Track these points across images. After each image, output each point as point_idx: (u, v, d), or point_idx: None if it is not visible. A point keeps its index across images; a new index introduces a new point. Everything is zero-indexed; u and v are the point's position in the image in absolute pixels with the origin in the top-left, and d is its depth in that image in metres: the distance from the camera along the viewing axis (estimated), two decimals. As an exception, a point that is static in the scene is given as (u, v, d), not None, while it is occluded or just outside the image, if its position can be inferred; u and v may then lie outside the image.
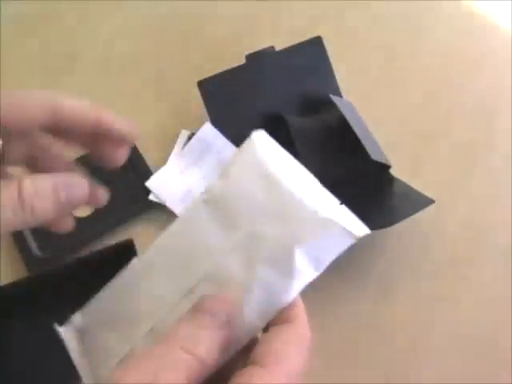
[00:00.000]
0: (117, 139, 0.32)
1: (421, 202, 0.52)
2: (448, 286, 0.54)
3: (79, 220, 0.56)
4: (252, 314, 0.28)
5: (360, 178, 0.56)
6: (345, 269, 0.54)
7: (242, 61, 0.58)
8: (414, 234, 0.55)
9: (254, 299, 0.28)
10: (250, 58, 0.58)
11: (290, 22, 0.66)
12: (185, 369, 0.24)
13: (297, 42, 0.59)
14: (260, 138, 0.31)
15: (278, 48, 0.59)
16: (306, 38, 0.59)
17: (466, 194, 0.58)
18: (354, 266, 0.54)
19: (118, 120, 0.31)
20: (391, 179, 0.55)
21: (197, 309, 0.27)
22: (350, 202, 0.56)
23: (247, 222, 0.29)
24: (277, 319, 0.28)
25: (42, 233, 0.54)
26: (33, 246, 0.54)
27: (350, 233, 0.30)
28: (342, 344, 0.52)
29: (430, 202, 0.51)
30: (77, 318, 0.31)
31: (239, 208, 0.30)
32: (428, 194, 0.52)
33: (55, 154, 0.34)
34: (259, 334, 0.29)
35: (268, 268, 0.28)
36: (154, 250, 0.31)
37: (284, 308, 0.28)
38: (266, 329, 0.29)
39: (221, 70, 0.57)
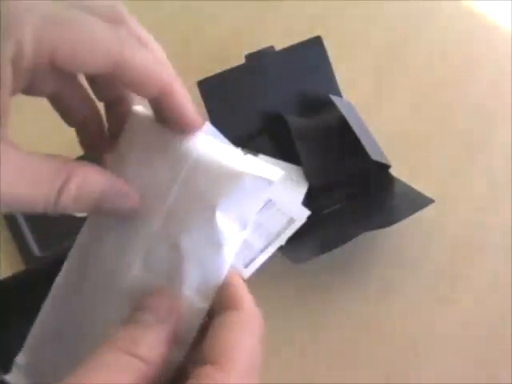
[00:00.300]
0: (174, 122, 0.29)
1: (421, 201, 0.52)
2: (448, 286, 0.54)
3: (79, 219, 0.56)
4: (192, 295, 0.26)
5: (360, 178, 0.56)
6: (345, 269, 0.54)
7: (242, 61, 0.58)
8: (414, 234, 0.55)
9: (190, 279, 0.26)
10: (250, 57, 0.58)
11: (290, 22, 0.66)
12: (131, 372, 0.23)
13: (297, 42, 0.59)
14: (141, 111, 0.30)
15: (277, 48, 0.59)
16: (305, 38, 0.59)
17: (466, 194, 0.58)
18: (355, 266, 0.54)
19: (186, 104, 0.29)
20: (391, 179, 0.55)
21: (135, 308, 0.25)
22: (350, 202, 0.56)
23: (157, 200, 0.27)
24: (220, 307, 0.26)
25: (42, 232, 0.54)
26: (32, 245, 0.54)
27: (263, 179, 0.28)
28: (342, 344, 0.52)
29: (430, 201, 0.51)
30: (20, 358, 0.29)
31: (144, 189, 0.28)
32: (428, 193, 0.52)
33: (84, 97, 0.30)
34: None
35: (194, 242, 0.27)
36: (75, 257, 0.30)
37: (226, 293, 0.26)
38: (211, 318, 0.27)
39: (220, 70, 0.57)
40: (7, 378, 0.29)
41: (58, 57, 0.24)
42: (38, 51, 0.24)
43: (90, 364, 0.23)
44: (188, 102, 0.29)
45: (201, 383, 0.23)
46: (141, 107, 0.29)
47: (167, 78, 0.28)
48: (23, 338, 0.41)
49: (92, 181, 0.26)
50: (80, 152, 0.57)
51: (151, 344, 0.24)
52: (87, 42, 0.24)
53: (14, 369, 0.29)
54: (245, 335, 0.25)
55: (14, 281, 0.50)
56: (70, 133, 0.63)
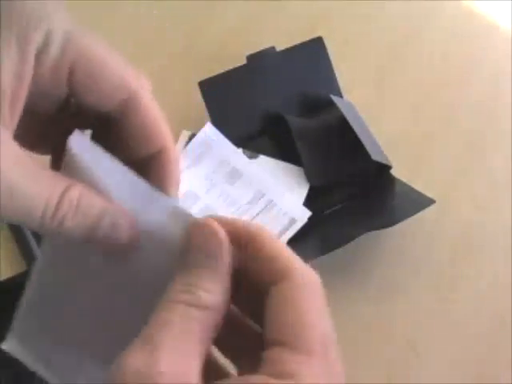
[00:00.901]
0: (156, 181, 0.26)
1: (421, 202, 0.52)
2: (448, 286, 0.54)
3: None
4: None
5: (360, 178, 0.57)
6: (346, 269, 0.54)
7: (243, 61, 0.58)
8: (414, 234, 0.55)
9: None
10: (251, 58, 0.58)
11: (291, 23, 0.66)
12: (199, 326, 0.21)
13: (298, 43, 0.59)
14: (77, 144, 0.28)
15: (278, 48, 0.59)
16: (306, 39, 0.59)
17: (466, 194, 0.58)
18: (355, 266, 0.54)
19: (176, 173, 0.26)
20: (392, 179, 0.55)
21: (186, 249, 0.23)
22: (351, 202, 0.56)
23: None
24: (270, 280, 0.22)
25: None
26: (34, 246, 0.54)
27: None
28: (342, 344, 0.52)
29: (431, 202, 0.51)
30: (16, 326, 0.28)
31: None
32: (428, 194, 0.52)
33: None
34: None
35: None
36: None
37: (270, 263, 0.23)
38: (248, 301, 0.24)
39: (222, 71, 0.57)
40: (3, 346, 0.27)
41: (77, 71, 0.23)
42: (62, 54, 0.23)
43: (154, 326, 0.21)
44: (178, 170, 0.27)
45: (298, 373, 0.20)
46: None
47: (170, 138, 0.26)
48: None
49: (93, 195, 0.24)
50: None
51: (210, 288, 0.22)
52: (109, 65, 0.24)
53: (10, 336, 0.28)
54: (308, 306, 0.23)
55: (15, 282, 0.50)
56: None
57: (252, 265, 0.23)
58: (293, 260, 0.23)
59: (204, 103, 0.57)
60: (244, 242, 0.23)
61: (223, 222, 0.23)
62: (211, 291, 0.22)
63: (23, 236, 0.54)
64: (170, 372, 0.20)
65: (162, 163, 0.26)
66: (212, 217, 0.24)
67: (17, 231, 0.54)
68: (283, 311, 0.22)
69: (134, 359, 0.20)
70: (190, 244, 0.23)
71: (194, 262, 0.22)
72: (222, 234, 0.23)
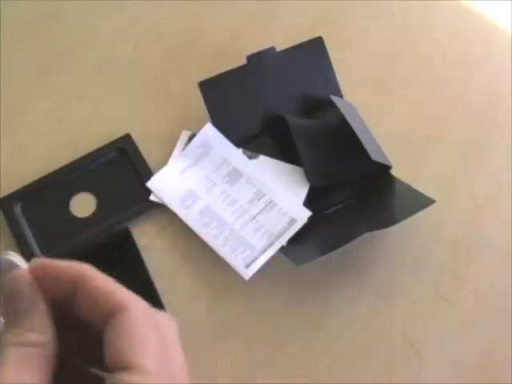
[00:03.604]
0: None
1: (421, 202, 0.52)
2: (448, 286, 0.54)
3: (80, 220, 0.56)
4: None
5: (360, 178, 0.57)
6: (345, 269, 0.54)
7: (243, 61, 0.58)
8: (414, 234, 0.55)
9: None
10: (251, 58, 0.58)
11: (291, 23, 0.66)
12: (30, 358, 0.24)
13: (298, 43, 0.59)
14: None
15: (278, 49, 0.59)
16: (306, 39, 0.59)
17: (466, 194, 0.58)
18: (354, 266, 0.54)
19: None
20: (392, 179, 0.55)
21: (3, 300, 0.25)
22: (351, 202, 0.56)
23: None
24: (106, 315, 0.24)
25: (42, 232, 0.54)
26: (34, 247, 0.54)
27: None
28: (342, 344, 0.52)
29: (431, 201, 0.51)
30: None
31: None
32: (428, 194, 0.52)
33: None
34: None
35: None
36: None
37: (103, 299, 0.24)
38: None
39: (222, 71, 0.57)
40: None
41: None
42: None
43: None
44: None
45: None
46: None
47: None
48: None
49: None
50: (78, 153, 0.58)
51: (33, 327, 0.24)
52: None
53: None
54: (143, 331, 0.24)
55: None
56: (70, 133, 0.63)
57: (84, 302, 0.24)
58: (126, 293, 0.25)
59: (204, 103, 0.57)
60: (72, 282, 0.25)
61: (43, 266, 0.25)
62: (34, 330, 0.24)
63: (23, 236, 0.54)
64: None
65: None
66: (36, 262, 0.25)
67: (17, 232, 0.54)
68: (121, 339, 0.23)
69: None
70: (4, 294, 0.25)
71: (13, 310, 0.25)
72: (23, 280, 0.25)
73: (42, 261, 0.25)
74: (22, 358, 0.23)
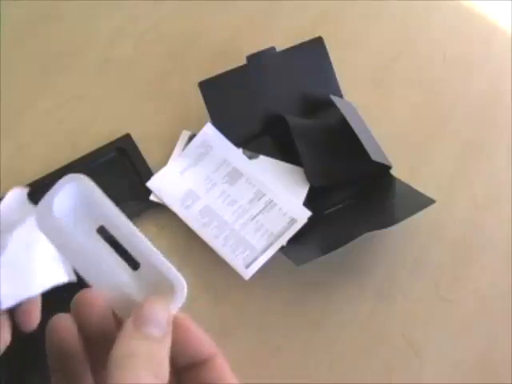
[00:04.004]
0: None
1: (421, 202, 0.52)
2: (448, 286, 0.54)
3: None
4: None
5: (360, 178, 0.57)
6: (345, 269, 0.54)
7: (243, 61, 0.58)
8: (414, 234, 0.55)
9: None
10: (251, 58, 0.58)
11: (291, 23, 0.66)
12: None
13: (298, 43, 0.59)
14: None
15: (278, 49, 0.59)
16: (306, 39, 0.59)
17: (466, 194, 0.58)
18: (354, 266, 0.54)
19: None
20: (392, 179, 0.55)
21: (139, 316, 0.26)
22: (350, 202, 0.56)
23: None
24: (191, 362, 0.27)
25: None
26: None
27: None
28: (341, 344, 0.52)
29: (431, 202, 0.51)
30: None
31: None
32: (428, 194, 0.52)
33: None
34: None
35: None
36: None
37: (192, 347, 0.27)
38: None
39: (222, 71, 0.57)
40: None
41: None
42: None
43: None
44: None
45: None
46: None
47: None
48: (26, 341, 0.41)
49: None
50: (78, 153, 0.58)
51: (166, 363, 0.25)
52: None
53: None
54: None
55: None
56: (70, 133, 0.63)
57: (182, 347, 0.27)
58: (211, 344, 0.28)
59: (204, 103, 0.57)
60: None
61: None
62: (166, 367, 0.25)
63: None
64: None
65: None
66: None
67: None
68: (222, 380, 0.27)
69: None
70: (144, 316, 0.26)
71: (150, 334, 0.25)
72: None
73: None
74: None
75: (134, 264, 0.28)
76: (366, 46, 0.65)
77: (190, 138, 0.58)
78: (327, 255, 0.51)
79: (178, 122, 0.60)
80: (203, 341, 0.27)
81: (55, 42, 0.65)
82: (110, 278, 0.27)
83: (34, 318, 0.35)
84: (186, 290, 0.27)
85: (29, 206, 0.47)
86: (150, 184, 0.56)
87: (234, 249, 0.53)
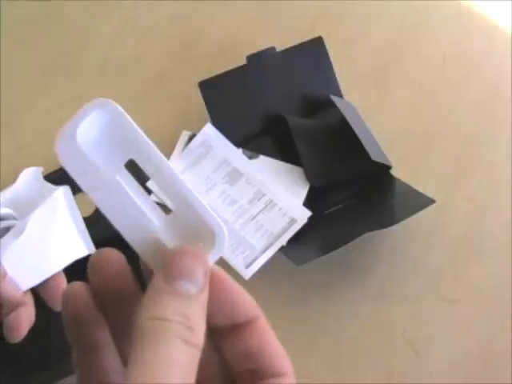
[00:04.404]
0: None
1: (421, 201, 0.52)
2: (448, 286, 0.54)
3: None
4: None
5: (360, 178, 0.57)
6: (345, 269, 0.54)
7: (243, 61, 0.58)
8: (414, 234, 0.55)
9: None
10: (251, 58, 0.58)
11: (291, 23, 0.66)
12: (194, 364, 0.20)
13: (298, 43, 0.59)
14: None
15: (278, 49, 0.59)
16: (306, 39, 0.59)
17: (466, 194, 0.58)
18: (354, 266, 0.54)
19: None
20: (392, 179, 0.55)
21: (172, 274, 0.22)
22: (350, 202, 0.56)
23: None
24: (267, 372, 0.24)
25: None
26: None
27: None
28: (342, 344, 0.52)
29: (431, 201, 0.51)
30: None
31: None
32: (428, 194, 0.52)
33: None
34: None
35: None
36: None
37: (269, 355, 0.24)
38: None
39: (222, 71, 0.57)
40: None
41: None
42: None
43: (155, 360, 0.20)
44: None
45: None
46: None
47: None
48: (28, 338, 0.41)
49: None
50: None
51: (201, 324, 0.21)
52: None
53: None
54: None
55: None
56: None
57: (219, 304, 0.23)
58: (284, 356, 0.25)
59: (204, 103, 0.57)
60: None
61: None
62: (202, 330, 0.21)
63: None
64: None
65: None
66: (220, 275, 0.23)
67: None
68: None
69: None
70: (177, 268, 0.22)
71: (184, 291, 0.21)
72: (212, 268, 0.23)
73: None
74: (193, 360, 0.20)
75: (165, 207, 0.24)
76: (366, 46, 0.65)
77: (190, 138, 0.58)
78: (327, 255, 0.51)
79: (178, 122, 0.60)
80: (245, 299, 0.24)
81: (55, 41, 0.65)
82: (138, 220, 0.23)
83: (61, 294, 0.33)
84: (227, 238, 0.23)
85: (45, 183, 0.47)
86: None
87: (233, 249, 0.53)
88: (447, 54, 0.65)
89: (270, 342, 0.24)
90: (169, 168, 0.24)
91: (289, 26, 0.65)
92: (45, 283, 0.41)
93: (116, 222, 0.23)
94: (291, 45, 0.59)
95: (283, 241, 0.53)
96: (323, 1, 0.67)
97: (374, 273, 0.54)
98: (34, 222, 0.41)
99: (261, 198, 0.55)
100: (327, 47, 0.59)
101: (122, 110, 0.23)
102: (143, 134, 0.23)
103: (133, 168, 0.24)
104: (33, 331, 0.41)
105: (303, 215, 0.54)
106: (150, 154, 0.23)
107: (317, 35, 0.59)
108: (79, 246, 0.44)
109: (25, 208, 0.43)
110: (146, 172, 0.23)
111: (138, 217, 0.23)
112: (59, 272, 0.41)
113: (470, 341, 0.52)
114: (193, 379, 0.20)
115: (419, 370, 0.51)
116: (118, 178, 0.23)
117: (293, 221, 0.54)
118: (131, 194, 0.23)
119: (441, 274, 0.54)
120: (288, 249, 0.53)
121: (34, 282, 0.40)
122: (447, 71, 0.64)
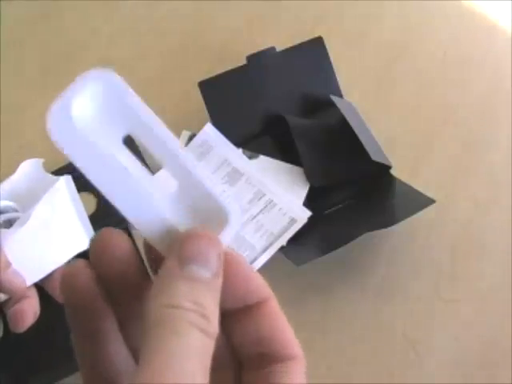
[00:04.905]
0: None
1: (421, 201, 0.52)
2: (448, 286, 0.54)
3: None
4: None
5: (360, 178, 0.57)
6: (345, 269, 0.54)
7: (243, 61, 0.59)
8: (414, 234, 0.55)
9: None
10: (251, 58, 0.58)
11: (291, 23, 0.66)
12: (208, 353, 0.20)
13: (298, 43, 0.59)
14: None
15: (278, 49, 0.59)
16: (306, 39, 0.59)
17: (466, 194, 0.58)
18: (354, 266, 0.54)
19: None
20: (392, 179, 0.55)
21: (185, 259, 0.21)
22: (350, 202, 0.56)
23: None
24: (277, 355, 0.23)
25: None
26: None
27: None
28: (342, 344, 0.52)
29: (431, 201, 0.51)
30: None
31: None
32: (428, 194, 0.52)
33: None
34: None
35: None
36: None
37: (279, 338, 0.23)
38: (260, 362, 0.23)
39: (222, 71, 0.57)
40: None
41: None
42: None
43: (168, 348, 0.19)
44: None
45: None
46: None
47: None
48: (29, 339, 0.41)
49: None
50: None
51: (216, 312, 0.20)
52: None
53: None
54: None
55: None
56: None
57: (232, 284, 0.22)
58: (293, 337, 0.24)
59: (204, 103, 0.57)
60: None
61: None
62: (216, 318, 0.20)
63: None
64: None
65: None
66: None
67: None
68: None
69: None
70: (192, 252, 0.21)
71: (198, 276, 0.20)
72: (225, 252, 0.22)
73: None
74: (209, 349, 0.20)
75: (172, 185, 0.22)
76: (366, 46, 0.65)
77: (190, 138, 0.58)
78: (327, 255, 0.51)
79: (178, 122, 0.60)
80: (257, 279, 0.23)
81: (55, 42, 0.65)
82: (143, 200, 0.21)
83: None
84: (240, 215, 0.22)
85: (46, 174, 0.46)
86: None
87: (234, 249, 0.53)
88: (447, 54, 0.65)
89: (281, 325, 0.24)
90: (173, 142, 0.21)
91: (289, 26, 0.65)
92: (49, 276, 0.40)
93: (119, 204, 0.21)
94: (291, 45, 0.59)
95: (283, 241, 0.53)
96: (323, 1, 0.67)
97: (374, 273, 0.54)
98: (37, 215, 0.40)
99: (261, 198, 0.55)
100: (327, 47, 0.59)
101: (121, 81, 0.21)
102: (144, 106, 0.21)
103: (134, 144, 0.23)
104: (35, 331, 0.41)
105: (303, 215, 0.54)
106: (151, 127, 0.21)
107: (317, 35, 0.59)
108: (83, 238, 0.44)
109: (25, 200, 0.42)
110: (148, 147, 0.21)
111: (143, 196, 0.21)
112: (63, 265, 0.41)
113: (469, 341, 0.52)
114: (208, 369, 0.19)
115: (419, 370, 0.51)
116: (117, 154, 0.21)
117: (293, 221, 0.54)
118: (133, 171, 0.21)
119: (441, 274, 0.54)
120: (288, 249, 0.53)
121: (39, 275, 0.40)
122: (447, 71, 0.64)
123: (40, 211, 0.41)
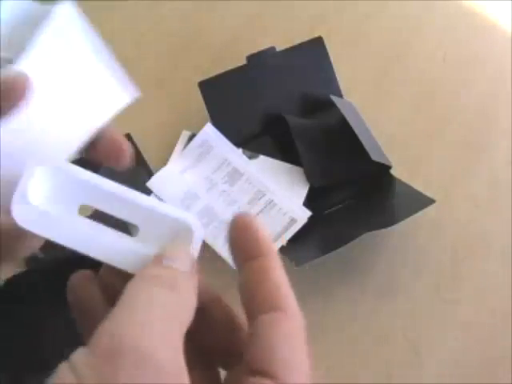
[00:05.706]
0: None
1: (421, 201, 0.52)
2: (448, 286, 0.54)
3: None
4: None
5: (360, 178, 0.57)
6: (345, 269, 0.54)
7: (243, 61, 0.59)
8: (414, 234, 0.55)
9: None
10: (251, 58, 0.58)
11: (291, 23, 0.66)
12: (169, 306, 0.21)
13: (297, 43, 0.59)
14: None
15: (278, 48, 0.59)
16: (306, 39, 0.59)
17: (466, 194, 0.58)
18: (354, 266, 0.54)
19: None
20: (392, 179, 0.55)
21: (161, 258, 0.23)
22: (350, 202, 0.56)
23: None
24: (263, 307, 0.24)
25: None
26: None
27: None
28: (342, 344, 0.52)
29: (431, 201, 0.51)
30: None
31: None
32: (428, 194, 0.52)
33: None
34: None
35: None
36: None
37: (266, 290, 0.24)
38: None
39: (222, 71, 0.57)
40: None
41: None
42: None
43: (132, 300, 0.21)
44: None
45: None
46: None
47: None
48: (26, 338, 0.41)
49: None
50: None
51: (193, 300, 0.23)
52: None
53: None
54: (299, 342, 0.23)
55: (16, 282, 0.50)
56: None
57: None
58: (289, 294, 0.24)
59: (204, 103, 0.57)
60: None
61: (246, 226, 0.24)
62: (189, 292, 0.23)
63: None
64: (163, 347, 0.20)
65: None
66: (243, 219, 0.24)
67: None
68: (277, 345, 0.22)
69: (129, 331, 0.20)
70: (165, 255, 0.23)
71: (172, 266, 0.23)
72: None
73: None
74: (178, 307, 0.22)
75: (132, 227, 0.26)
76: (366, 46, 0.65)
77: (190, 138, 0.58)
78: (327, 255, 0.51)
79: (178, 121, 0.60)
80: (265, 233, 0.24)
81: (55, 42, 0.65)
82: (116, 251, 0.25)
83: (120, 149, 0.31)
84: (202, 228, 0.25)
85: (38, 5, 0.28)
86: (149, 184, 0.56)
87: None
88: (447, 54, 0.65)
89: (270, 278, 0.24)
90: (121, 196, 0.25)
91: (289, 26, 0.66)
92: (96, 141, 0.31)
93: (93, 255, 0.25)
94: (291, 45, 0.59)
95: (283, 241, 0.53)
96: (323, 1, 0.67)
97: (374, 273, 0.54)
98: (42, 50, 0.27)
99: (261, 198, 0.55)
100: (327, 47, 0.59)
101: (64, 162, 0.25)
102: (91, 175, 0.25)
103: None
104: (34, 330, 0.41)
105: (303, 215, 0.54)
106: (98, 191, 0.25)
107: (317, 35, 0.59)
108: (115, 87, 0.31)
109: (20, 43, 0.27)
110: (101, 208, 0.25)
111: (115, 249, 0.25)
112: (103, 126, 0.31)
113: (470, 341, 0.52)
114: (177, 326, 0.21)
115: (419, 370, 0.51)
116: (81, 223, 0.25)
117: (293, 221, 0.54)
118: (99, 233, 0.25)
119: (440, 274, 0.54)
120: (288, 249, 0.53)
121: (75, 144, 0.29)
122: (447, 71, 0.64)
123: (44, 46, 0.27)
